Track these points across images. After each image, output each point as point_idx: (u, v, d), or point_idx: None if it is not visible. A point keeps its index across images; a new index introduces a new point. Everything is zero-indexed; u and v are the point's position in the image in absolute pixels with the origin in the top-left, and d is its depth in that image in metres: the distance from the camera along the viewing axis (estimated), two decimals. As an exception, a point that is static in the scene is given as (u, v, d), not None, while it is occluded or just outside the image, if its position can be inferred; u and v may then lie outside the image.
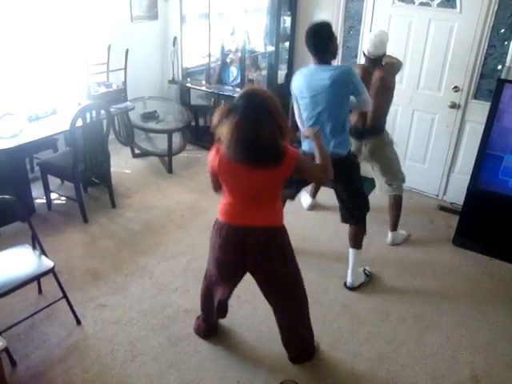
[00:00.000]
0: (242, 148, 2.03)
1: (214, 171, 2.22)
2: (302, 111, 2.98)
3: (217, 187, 2.33)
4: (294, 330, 2.58)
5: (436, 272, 3.49)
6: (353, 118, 3.43)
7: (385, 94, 3.37)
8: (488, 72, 3.91)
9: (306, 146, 2.98)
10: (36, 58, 4.31)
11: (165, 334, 2.81)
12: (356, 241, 3.19)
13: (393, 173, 3.65)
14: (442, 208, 4.33)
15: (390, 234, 3.82)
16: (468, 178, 3.64)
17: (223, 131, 2.02)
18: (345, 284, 3.27)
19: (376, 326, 2.95)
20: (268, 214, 2.25)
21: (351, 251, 3.21)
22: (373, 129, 3.48)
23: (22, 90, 4.26)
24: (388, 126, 4.49)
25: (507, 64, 3.72)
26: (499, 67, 3.83)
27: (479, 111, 3.89)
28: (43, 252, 2.78)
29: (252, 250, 2.25)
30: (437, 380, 2.60)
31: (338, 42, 4.33)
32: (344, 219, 3.18)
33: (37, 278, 2.74)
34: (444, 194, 4.46)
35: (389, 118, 4.43)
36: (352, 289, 3.26)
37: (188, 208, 4.12)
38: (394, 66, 3.44)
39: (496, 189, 3.48)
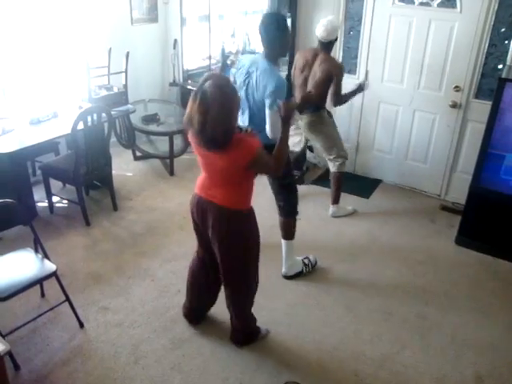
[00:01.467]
0: (192, 130, 2.19)
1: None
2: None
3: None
4: (231, 311, 2.69)
5: (439, 272, 3.49)
6: (297, 95, 3.80)
7: (326, 75, 3.62)
8: (489, 71, 3.90)
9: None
10: (37, 61, 4.33)
11: (168, 336, 2.81)
12: (287, 232, 3.24)
13: (333, 149, 3.93)
14: (444, 208, 4.32)
15: (330, 207, 4.12)
16: (470, 177, 3.64)
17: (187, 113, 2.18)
18: (282, 275, 3.34)
19: (379, 327, 2.95)
20: (227, 195, 2.34)
21: (283, 242, 3.27)
22: (310, 105, 3.76)
23: (24, 93, 4.27)
24: (389, 126, 4.53)
25: (508, 63, 3.72)
26: (500, 66, 3.82)
27: (480, 110, 3.88)
28: (45, 255, 2.79)
29: (209, 223, 2.39)
30: (440, 380, 2.59)
31: (338, 42, 4.38)
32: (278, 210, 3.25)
33: (39, 282, 2.75)
34: (446, 193, 4.45)
35: (390, 117, 4.49)
36: (287, 277, 3.32)
37: (190, 210, 4.10)
38: (341, 67, 3.73)
39: (498, 188, 3.48)
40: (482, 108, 3.82)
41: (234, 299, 2.63)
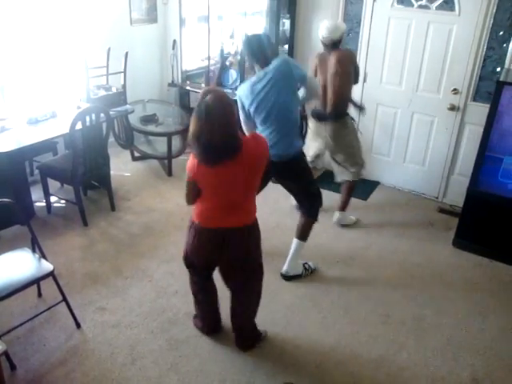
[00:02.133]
0: (199, 146, 2.14)
1: (193, 177, 2.29)
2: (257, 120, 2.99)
3: (192, 198, 2.41)
4: (243, 319, 2.69)
5: (436, 274, 3.49)
6: (315, 103, 3.70)
7: (344, 76, 3.53)
8: (487, 74, 3.91)
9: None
10: (36, 61, 4.32)
11: (165, 337, 2.80)
12: (303, 233, 3.27)
13: (355, 158, 3.81)
14: (442, 210, 4.32)
15: (337, 214, 4.02)
16: (467, 180, 3.64)
17: (189, 136, 2.17)
18: (281, 274, 3.33)
19: (376, 329, 2.95)
20: (247, 211, 2.38)
21: (295, 241, 3.28)
22: (334, 113, 3.64)
23: (22, 93, 4.26)
24: (387, 129, 4.53)
25: (506, 66, 3.73)
26: (498, 69, 3.83)
27: (478, 113, 3.89)
28: (43, 255, 2.78)
29: (225, 251, 2.37)
30: (437, 382, 2.59)
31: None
32: (299, 208, 3.30)
33: (36, 282, 2.74)
34: (444, 196, 4.45)
35: (388, 119, 4.49)
36: (285, 277, 3.32)
37: (188, 211, 4.04)
38: (351, 52, 3.66)
39: (495, 191, 3.48)
40: (480, 111, 3.82)
41: (252, 306, 2.66)
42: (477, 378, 2.64)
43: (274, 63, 2.83)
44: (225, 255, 2.40)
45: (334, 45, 3.54)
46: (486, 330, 2.98)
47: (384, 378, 2.60)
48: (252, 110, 2.89)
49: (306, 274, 3.36)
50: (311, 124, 3.87)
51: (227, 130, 2.12)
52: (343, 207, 4.01)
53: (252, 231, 2.42)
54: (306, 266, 3.39)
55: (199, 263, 2.55)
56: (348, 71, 3.56)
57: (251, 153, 2.20)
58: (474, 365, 2.72)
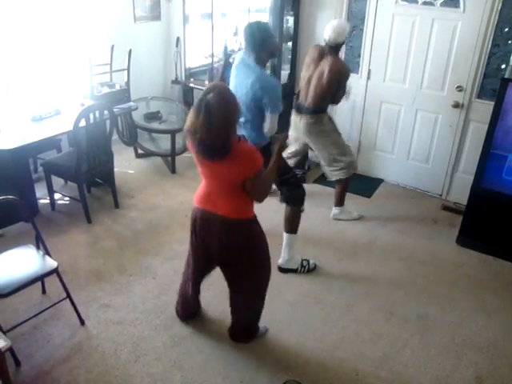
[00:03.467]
0: (193, 140, 2.14)
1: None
2: None
3: None
4: (240, 314, 2.70)
5: (440, 272, 3.48)
6: (302, 94, 3.76)
7: (329, 80, 3.54)
8: (492, 71, 3.90)
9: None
10: (39, 58, 4.32)
11: (168, 333, 2.81)
12: (290, 225, 3.27)
13: (336, 156, 3.81)
14: (446, 208, 4.31)
15: (333, 209, 4.08)
16: (471, 177, 3.63)
17: (185, 128, 2.16)
18: (277, 265, 3.34)
19: (379, 326, 2.95)
20: (231, 205, 2.32)
21: (284, 235, 3.29)
22: (310, 107, 3.69)
23: (26, 90, 4.27)
24: (391, 126, 4.52)
25: (511, 63, 3.71)
26: (503, 66, 3.81)
27: (483, 111, 3.87)
28: (47, 252, 2.79)
29: (214, 236, 2.37)
30: (441, 380, 2.59)
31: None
32: (281, 199, 3.28)
33: (41, 278, 2.75)
34: (447, 193, 4.44)
35: (392, 116, 4.48)
36: (281, 269, 3.33)
37: (191, 208, 4.10)
38: (346, 70, 3.62)
39: (500, 188, 3.47)
40: (485, 108, 3.81)
41: (242, 305, 2.66)
42: (480, 376, 2.63)
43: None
44: (211, 241, 2.40)
45: (336, 47, 3.55)
46: (489, 327, 2.97)
47: (387, 375, 2.60)
48: None
49: (301, 271, 3.36)
50: (292, 116, 3.91)
51: (224, 133, 2.08)
52: (337, 203, 4.06)
53: (242, 227, 2.37)
54: (304, 263, 3.38)
55: (193, 244, 2.55)
56: (331, 88, 3.58)
57: (242, 162, 2.19)
58: (478, 363, 2.71)
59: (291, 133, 3.95)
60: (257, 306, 2.69)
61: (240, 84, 2.95)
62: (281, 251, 3.34)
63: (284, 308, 3.05)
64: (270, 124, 2.93)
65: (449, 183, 4.41)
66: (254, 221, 2.46)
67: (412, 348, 2.79)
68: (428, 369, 2.65)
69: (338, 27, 3.48)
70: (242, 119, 2.90)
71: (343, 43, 3.62)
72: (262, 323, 2.82)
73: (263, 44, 2.88)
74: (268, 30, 2.95)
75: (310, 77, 3.67)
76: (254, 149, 2.28)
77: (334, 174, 3.89)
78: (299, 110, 3.78)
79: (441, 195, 4.48)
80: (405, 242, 3.83)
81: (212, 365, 2.62)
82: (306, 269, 3.38)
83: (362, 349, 2.77)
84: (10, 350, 2.32)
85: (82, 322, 2.84)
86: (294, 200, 3.23)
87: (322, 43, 3.67)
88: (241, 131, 2.87)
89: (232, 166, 2.18)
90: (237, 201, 2.33)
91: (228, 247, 2.38)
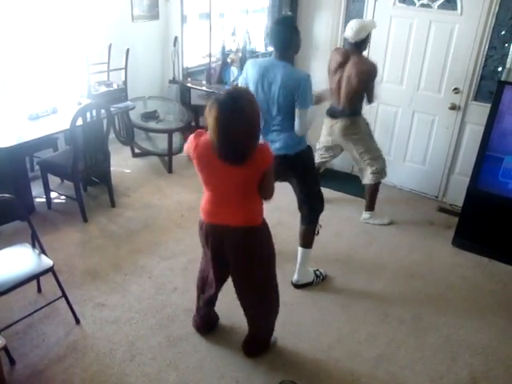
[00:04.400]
0: (220, 142, 2.06)
1: (190, 156, 2.24)
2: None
3: None
4: (256, 327, 2.65)
5: (435, 273, 3.49)
6: (333, 99, 3.72)
7: (358, 81, 3.52)
8: (488, 74, 3.91)
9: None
10: (37, 56, 4.32)
11: (164, 333, 2.80)
12: (305, 240, 3.18)
13: (370, 161, 3.83)
14: (442, 209, 4.33)
15: (363, 213, 4.09)
16: (468, 179, 3.64)
17: (208, 122, 2.06)
18: (292, 282, 3.27)
19: (375, 327, 2.95)
20: (245, 213, 2.27)
21: (300, 250, 3.20)
22: (345, 110, 3.68)
23: (23, 88, 4.26)
24: (388, 127, 4.53)
25: (507, 66, 3.72)
26: (499, 69, 3.83)
27: (479, 113, 3.89)
28: (42, 251, 2.78)
29: (226, 248, 2.33)
30: (436, 381, 2.59)
31: (338, 41, 4.38)
32: (303, 221, 3.19)
33: (36, 277, 2.75)
34: (444, 195, 4.46)
35: (389, 118, 4.49)
36: (296, 286, 3.25)
37: (188, 208, 4.11)
38: (373, 68, 3.55)
39: (496, 190, 3.48)
40: (481, 110, 3.82)
41: (260, 315, 2.60)
42: (475, 377, 2.64)
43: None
44: (224, 253, 2.36)
45: (357, 46, 3.52)
46: (484, 329, 2.98)
47: (383, 376, 2.61)
48: None
49: (317, 282, 3.29)
50: (325, 122, 3.89)
51: (250, 135, 2.06)
52: (367, 207, 4.07)
53: (254, 235, 2.32)
54: (318, 272, 3.32)
55: (212, 257, 2.44)
56: (362, 89, 3.57)
57: (257, 157, 2.13)
58: (473, 364, 2.72)
59: (323, 139, 3.95)
60: (269, 317, 2.63)
61: (268, 85, 2.79)
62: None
63: (280, 308, 3.04)
64: (299, 120, 2.78)
65: (445, 185, 4.42)
66: (266, 227, 2.40)
67: (407, 349, 2.80)
68: (423, 370, 2.66)
69: (355, 24, 3.46)
70: (274, 127, 2.87)
71: (366, 40, 3.54)
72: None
73: (292, 42, 2.79)
74: (296, 27, 2.87)
75: (340, 80, 3.62)
76: (264, 143, 2.24)
77: (365, 178, 3.95)
78: (333, 115, 3.76)
79: (437, 197, 4.49)
80: (401, 243, 3.84)
81: (207, 365, 2.61)
82: (321, 278, 3.32)
83: (358, 349, 2.77)
84: (5, 348, 2.32)
85: (78, 321, 2.83)
86: (315, 219, 3.16)
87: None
88: (274, 144, 2.82)
89: (249, 165, 2.11)
90: (250, 207, 2.28)
91: (243, 257, 2.34)
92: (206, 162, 2.17)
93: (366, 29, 3.50)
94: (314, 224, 3.16)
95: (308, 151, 3.03)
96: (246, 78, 2.92)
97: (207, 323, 2.82)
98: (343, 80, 3.60)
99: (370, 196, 4.02)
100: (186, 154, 2.30)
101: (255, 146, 2.11)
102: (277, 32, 2.78)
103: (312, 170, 3.14)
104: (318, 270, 3.35)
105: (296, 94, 2.72)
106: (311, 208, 3.12)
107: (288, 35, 2.77)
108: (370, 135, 3.89)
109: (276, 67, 2.77)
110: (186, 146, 2.28)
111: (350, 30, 3.47)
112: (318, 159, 3.99)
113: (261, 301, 2.55)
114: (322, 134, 3.97)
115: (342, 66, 3.61)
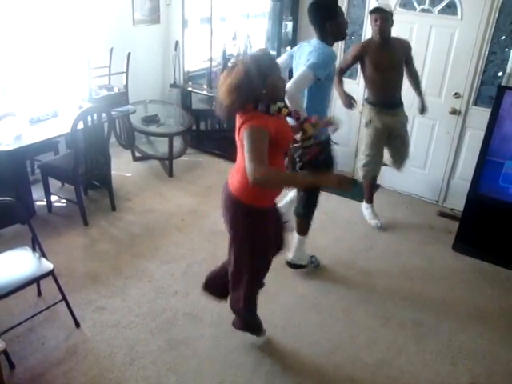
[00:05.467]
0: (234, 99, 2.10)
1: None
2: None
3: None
4: (232, 295, 2.63)
5: (436, 278, 3.49)
6: (372, 93, 3.82)
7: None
8: (489, 78, 3.92)
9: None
10: (38, 60, 4.32)
11: (164, 337, 2.80)
12: (299, 228, 3.31)
13: (407, 150, 4.00)
14: (442, 214, 4.33)
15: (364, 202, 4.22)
16: (468, 184, 3.64)
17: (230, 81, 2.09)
18: (286, 261, 3.36)
19: (375, 332, 2.95)
20: (237, 182, 2.29)
21: (295, 235, 3.33)
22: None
23: (24, 92, 4.27)
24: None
25: (508, 71, 3.74)
26: (500, 74, 3.84)
27: (480, 117, 3.90)
28: (43, 254, 2.78)
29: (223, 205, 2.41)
30: (436, 386, 2.59)
31: (340, 46, 4.38)
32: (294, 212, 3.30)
33: (36, 280, 2.74)
34: (444, 199, 4.46)
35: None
36: (291, 265, 3.37)
37: (188, 212, 4.12)
38: (407, 44, 3.74)
39: (496, 195, 3.49)
40: (482, 115, 3.83)
41: (231, 286, 2.57)
42: (476, 382, 2.63)
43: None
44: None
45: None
46: (485, 334, 2.98)
47: (383, 381, 2.60)
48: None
49: (310, 266, 3.43)
50: (381, 118, 3.81)
51: (231, 91, 2.07)
52: (364, 198, 4.18)
53: (239, 207, 2.29)
54: (313, 259, 3.46)
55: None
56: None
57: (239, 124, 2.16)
58: (473, 369, 2.72)
59: (375, 136, 3.88)
60: (243, 290, 2.51)
61: (298, 57, 2.93)
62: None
63: (280, 312, 3.05)
64: (294, 79, 2.72)
65: (445, 189, 4.42)
66: (253, 208, 2.27)
67: (407, 354, 2.79)
68: (423, 375, 2.65)
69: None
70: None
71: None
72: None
73: (321, 24, 2.80)
74: (329, 10, 2.82)
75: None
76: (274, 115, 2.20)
77: (399, 169, 4.13)
78: (392, 107, 3.82)
79: (437, 201, 4.49)
80: (401, 247, 3.83)
81: (207, 369, 2.61)
82: (315, 265, 3.46)
83: (358, 354, 2.77)
84: (5, 352, 2.31)
85: (78, 325, 2.83)
86: (305, 216, 3.27)
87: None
88: None
89: (238, 128, 2.16)
90: (240, 178, 2.24)
91: (227, 221, 2.38)
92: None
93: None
94: (301, 217, 3.27)
95: (328, 144, 3.09)
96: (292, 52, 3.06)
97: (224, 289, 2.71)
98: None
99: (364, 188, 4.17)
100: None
101: (237, 105, 2.11)
102: (308, 14, 2.88)
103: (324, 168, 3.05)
104: (313, 256, 3.46)
105: (308, 56, 2.79)
106: (297, 206, 3.25)
107: (318, 18, 2.82)
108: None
109: (307, 46, 2.88)
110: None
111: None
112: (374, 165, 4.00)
113: (232, 274, 2.51)
114: (373, 133, 3.86)
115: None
